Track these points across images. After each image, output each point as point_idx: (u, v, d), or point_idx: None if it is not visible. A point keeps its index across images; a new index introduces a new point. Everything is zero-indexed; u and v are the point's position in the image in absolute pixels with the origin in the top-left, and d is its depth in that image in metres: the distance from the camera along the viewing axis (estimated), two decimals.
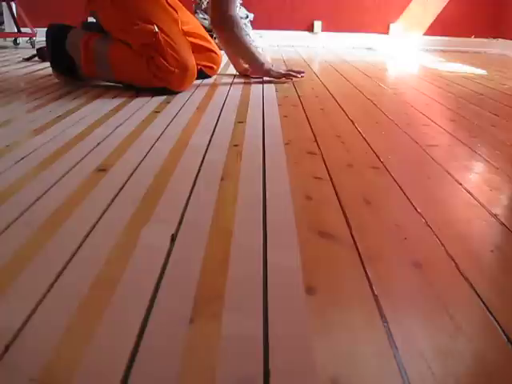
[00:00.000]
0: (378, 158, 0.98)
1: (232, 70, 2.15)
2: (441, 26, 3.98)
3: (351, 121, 1.30)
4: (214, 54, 1.88)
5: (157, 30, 1.53)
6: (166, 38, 1.54)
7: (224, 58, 2.09)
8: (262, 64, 1.88)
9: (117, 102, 1.48)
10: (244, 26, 2.84)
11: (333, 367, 0.41)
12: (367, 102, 1.57)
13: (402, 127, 1.24)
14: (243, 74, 2.06)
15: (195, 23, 1.86)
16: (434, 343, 0.44)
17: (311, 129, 1.21)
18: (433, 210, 0.73)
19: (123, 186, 0.80)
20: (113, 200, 0.74)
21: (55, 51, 1.68)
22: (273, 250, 0.60)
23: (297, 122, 1.28)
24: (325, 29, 4.00)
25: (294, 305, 0.49)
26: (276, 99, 1.59)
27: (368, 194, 0.79)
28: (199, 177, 0.85)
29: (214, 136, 1.12)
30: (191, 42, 1.68)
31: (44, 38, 1.73)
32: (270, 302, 0.49)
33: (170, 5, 1.66)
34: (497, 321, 0.47)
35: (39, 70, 2.14)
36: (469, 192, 0.81)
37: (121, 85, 1.70)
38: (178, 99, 1.55)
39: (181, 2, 1.77)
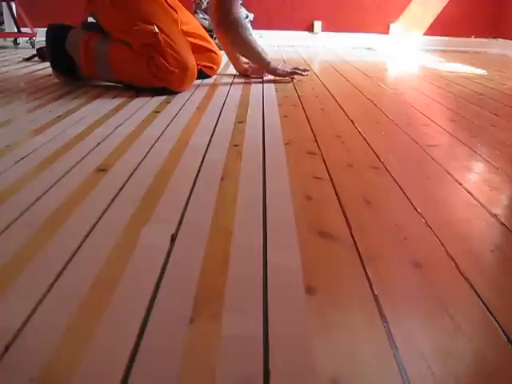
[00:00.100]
0: (378, 158, 0.98)
1: (232, 69, 2.15)
2: (441, 26, 3.98)
3: (351, 121, 1.30)
4: (213, 54, 1.88)
5: (157, 30, 1.53)
6: (165, 38, 1.54)
7: (224, 57, 2.09)
8: (269, 63, 1.90)
9: (117, 101, 1.48)
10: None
11: (333, 367, 0.41)
12: (367, 102, 1.57)
13: (402, 127, 1.24)
14: (243, 73, 2.07)
15: (195, 23, 1.86)
16: (434, 343, 0.44)
17: (311, 129, 1.21)
18: (433, 210, 0.73)
19: (123, 186, 0.80)
20: (113, 200, 0.74)
21: (55, 51, 1.68)
22: (273, 249, 0.60)
23: (297, 122, 1.28)
24: (325, 29, 4.00)
25: (294, 305, 0.49)
26: (276, 99, 1.59)
27: (368, 194, 0.79)
28: (199, 177, 0.85)
29: (213, 136, 1.12)
30: (191, 42, 1.68)
31: (44, 38, 1.73)
32: (270, 302, 0.49)
33: (169, 5, 1.66)
34: (497, 321, 0.47)
35: (39, 70, 2.14)
36: (469, 192, 0.81)
37: (121, 85, 1.70)
38: (178, 99, 1.55)
39: (181, 2, 1.77)
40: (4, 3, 3.34)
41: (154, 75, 1.56)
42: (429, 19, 3.99)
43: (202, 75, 1.86)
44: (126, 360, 0.41)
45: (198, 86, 1.80)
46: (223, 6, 1.75)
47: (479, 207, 0.75)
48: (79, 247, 0.59)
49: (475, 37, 4.01)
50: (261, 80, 1.97)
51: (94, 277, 0.53)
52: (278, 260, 0.57)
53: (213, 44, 1.88)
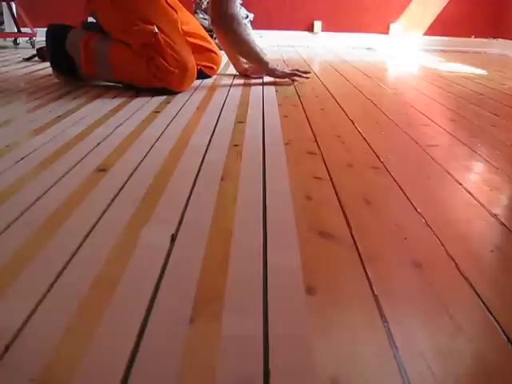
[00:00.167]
0: (378, 158, 0.98)
1: (232, 70, 2.15)
2: (441, 26, 3.98)
3: (351, 121, 1.30)
4: (213, 54, 1.88)
5: (156, 30, 1.53)
6: (165, 38, 1.54)
7: (224, 58, 2.09)
8: (267, 63, 1.84)
9: (117, 101, 1.48)
10: (244, 25, 2.84)
11: (333, 367, 0.41)
12: (367, 102, 1.57)
13: (402, 127, 1.24)
14: (243, 74, 2.06)
15: (195, 23, 1.86)
16: (434, 343, 0.44)
17: (311, 129, 1.21)
18: (433, 210, 0.73)
19: (123, 186, 0.80)
20: (113, 200, 0.74)
21: (55, 51, 1.68)
22: (273, 249, 0.60)
23: (297, 122, 1.28)
24: (325, 29, 4.00)
25: (294, 305, 0.49)
26: (276, 99, 1.59)
27: (368, 194, 0.79)
28: (199, 177, 0.85)
29: (213, 136, 1.12)
30: (191, 43, 1.68)
31: (44, 38, 1.73)
32: (270, 302, 0.49)
33: (169, 5, 1.66)
34: (497, 321, 0.47)
35: (39, 70, 2.14)
36: (469, 192, 0.81)
37: (121, 85, 1.70)
38: (178, 99, 1.55)
39: (181, 2, 1.77)
40: (4, 3, 3.34)
41: (153, 75, 1.56)
42: (429, 19, 3.99)
43: (202, 75, 1.85)
44: (126, 360, 0.41)
45: (198, 86, 1.80)
46: (220, 4, 1.72)
47: (479, 207, 0.75)
48: (79, 247, 0.59)
49: (475, 37, 4.01)
50: (261, 80, 1.96)
51: (94, 277, 0.53)
52: (278, 260, 0.57)
53: (213, 44, 1.87)
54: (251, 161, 0.94)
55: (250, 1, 3.70)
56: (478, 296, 0.51)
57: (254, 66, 1.96)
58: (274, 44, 3.92)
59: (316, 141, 1.10)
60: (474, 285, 0.53)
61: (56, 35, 1.68)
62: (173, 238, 0.62)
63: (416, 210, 0.73)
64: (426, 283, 0.54)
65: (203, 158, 0.95)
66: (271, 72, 1.87)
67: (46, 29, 1.72)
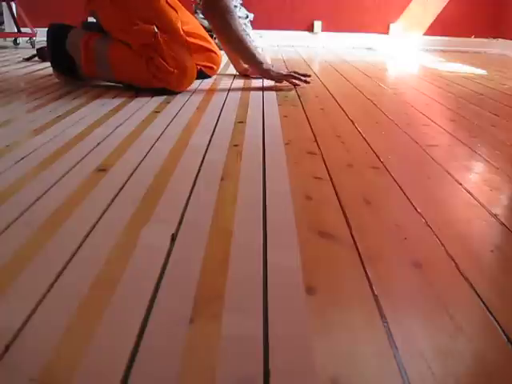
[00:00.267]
0: (378, 157, 0.98)
1: (232, 70, 2.15)
2: (441, 26, 3.98)
3: (351, 121, 1.30)
4: (213, 54, 1.88)
5: (156, 30, 1.53)
6: (165, 38, 1.54)
7: (224, 57, 2.09)
8: (261, 63, 1.70)
9: (117, 101, 1.48)
10: (245, 25, 2.83)
11: (333, 367, 0.41)
12: (367, 102, 1.57)
13: (402, 127, 1.24)
14: (243, 74, 2.06)
15: (195, 23, 1.86)
16: (434, 343, 0.44)
17: (311, 129, 1.21)
18: (433, 210, 0.73)
19: (123, 186, 0.80)
20: (113, 200, 0.74)
21: (55, 51, 1.68)
22: (273, 250, 0.60)
23: (297, 122, 1.28)
24: (325, 29, 4.00)
25: (294, 305, 0.49)
26: (276, 99, 1.59)
27: (368, 194, 0.79)
28: (199, 177, 0.85)
29: (213, 136, 1.12)
30: (191, 42, 1.68)
31: (44, 38, 1.73)
32: (270, 302, 0.49)
33: (169, 5, 1.65)
34: (497, 321, 0.47)
35: (39, 69, 2.14)
36: (469, 192, 0.81)
37: (121, 85, 1.70)
38: (178, 99, 1.55)
39: (181, 2, 1.77)
40: (4, 3, 3.34)
41: (153, 75, 1.56)
42: (429, 19, 3.99)
43: (201, 75, 1.85)
44: (126, 360, 0.41)
45: (198, 86, 1.80)
46: None
47: (479, 207, 0.75)
48: (79, 247, 0.59)
49: (475, 37, 4.01)
50: (261, 81, 1.95)
51: (94, 277, 0.53)
52: (278, 260, 0.57)
53: (213, 44, 1.87)
54: (251, 161, 0.94)
55: (250, 1, 3.70)
56: (478, 296, 0.51)
57: (247, 65, 1.86)
58: (274, 44, 3.92)
59: (316, 141, 1.10)
60: (474, 285, 0.53)
61: (56, 35, 1.68)
62: (173, 238, 0.62)
63: (416, 210, 0.73)
64: (426, 283, 0.54)
65: (203, 158, 0.95)
66: (266, 73, 1.75)
67: (46, 29, 1.72)
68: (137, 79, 1.62)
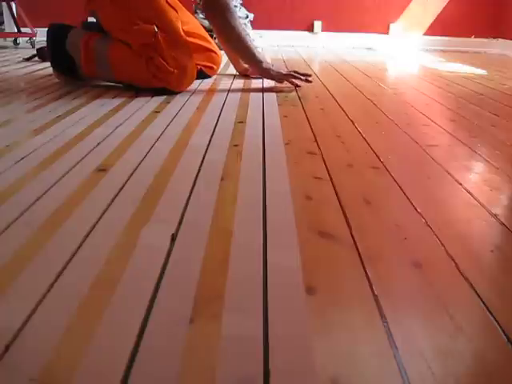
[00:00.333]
0: (378, 157, 0.98)
1: (232, 70, 2.15)
2: (441, 26, 3.98)
3: (351, 121, 1.30)
4: (213, 54, 1.88)
5: (156, 30, 1.53)
6: (165, 38, 1.54)
7: (224, 57, 2.09)
8: (260, 62, 1.69)
9: (117, 101, 1.48)
10: (245, 25, 2.83)
11: (333, 367, 0.41)
12: (367, 102, 1.57)
13: (402, 127, 1.24)
14: (243, 73, 2.06)
15: (195, 23, 1.86)
16: (434, 343, 0.44)
17: (311, 129, 1.21)
18: (433, 210, 0.73)
19: (123, 186, 0.80)
20: (113, 200, 0.74)
21: (55, 51, 1.68)
22: (273, 250, 0.60)
23: (297, 122, 1.28)
24: (325, 29, 4.00)
25: (294, 305, 0.49)
26: (276, 99, 1.59)
27: (368, 194, 0.79)
28: (199, 177, 0.85)
29: (213, 136, 1.12)
30: (191, 42, 1.68)
31: (44, 38, 1.73)
32: (270, 302, 0.49)
33: (170, 4, 1.65)
34: (497, 321, 0.47)
35: (39, 69, 2.14)
36: (469, 192, 0.81)
37: (121, 85, 1.70)
38: (178, 99, 1.55)
39: (181, 2, 1.77)
40: (4, 3, 3.34)
41: (153, 75, 1.56)
42: (429, 19, 3.99)
43: (201, 75, 1.85)
44: (126, 360, 0.41)
45: (198, 86, 1.80)
46: None
47: (479, 207, 0.75)
48: (79, 247, 0.59)
49: (475, 37, 4.01)
50: (261, 81, 1.95)
51: (94, 277, 0.53)
52: (278, 260, 0.57)
53: (213, 44, 1.87)
54: (251, 161, 0.94)
55: (250, 1, 3.70)
56: (478, 296, 0.51)
57: (246, 64, 1.85)
58: (274, 44, 3.92)
59: (316, 141, 1.10)
60: (474, 285, 0.53)
61: (56, 35, 1.68)
62: (173, 238, 0.62)
63: (416, 210, 0.73)
64: (426, 283, 0.54)
65: (203, 158, 0.95)
66: (265, 72, 1.73)
67: (46, 29, 1.72)
68: (137, 79, 1.62)
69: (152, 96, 1.57)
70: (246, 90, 1.74)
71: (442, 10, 3.96)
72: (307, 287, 0.52)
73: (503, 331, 0.46)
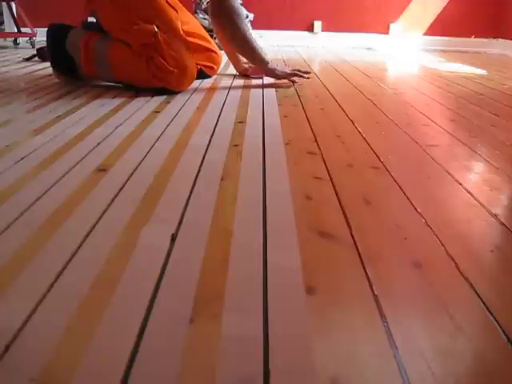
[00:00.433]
0: (378, 157, 0.98)
1: (232, 69, 2.15)
2: (441, 26, 3.98)
3: (351, 121, 1.30)
4: (214, 54, 1.88)
5: (156, 29, 1.53)
6: (165, 37, 1.54)
7: (224, 57, 2.09)
8: (267, 62, 1.78)
9: (117, 101, 1.48)
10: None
11: (333, 367, 0.41)
12: (367, 102, 1.57)
13: (402, 127, 1.24)
14: (243, 73, 2.06)
15: (195, 23, 1.86)
16: (434, 343, 0.44)
17: (311, 129, 1.21)
18: (433, 210, 0.73)
19: (123, 186, 0.80)
20: (113, 200, 0.74)
21: (55, 51, 1.68)
22: (273, 250, 0.60)
23: (297, 122, 1.28)
24: (325, 29, 4.00)
25: (294, 305, 0.49)
26: (276, 99, 1.59)
27: (368, 194, 0.79)
28: (199, 177, 0.85)
29: (213, 136, 1.12)
30: (191, 42, 1.68)
31: (44, 38, 1.73)
32: (270, 302, 0.49)
33: (170, 4, 1.65)
34: (497, 321, 0.47)
35: (39, 69, 2.14)
36: (469, 192, 0.81)
37: (121, 85, 1.69)
38: (178, 99, 1.55)
39: (181, 2, 1.77)
40: (4, 3, 3.34)
41: (153, 75, 1.56)
42: (429, 19, 3.99)
43: (202, 75, 1.85)
44: (126, 360, 0.41)
45: (198, 85, 1.80)
46: None
47: (479, 207, 0.75)
48: (79, 247, 0.59)
49: (475, 37, 4.01)
50: (261, 80, 1.95)
51: (94, 277, 0.53)
52: (278, 260, 0.57)
53: (213, 44, 1.87)
54: (251, 161, 0.94)
55: (250, 1, 3.70)
56: (478, 296, 0.51)
57: (253, 65, 1.92)
58: (274, 44, 3.92)
59: (316, 141, 1.10)
60: (474, 285, 0.53)
61: (56, 35, 1.68)
62: (173, 238, 0.62)
63: (416, 210, 0.73)
64: (426, 283, 0.54)
65: (203, 158, 0.95)
66: (271, 72, 1.82)
67: (46, 29, 1.72)
68: (137, 79, 1.62)
69: (152, 96, 1.57)
70: (246, 90, 1.74)
71: (441, 10, 3.96)
72: (307, 287, 0.52)
73: (503, 331, 0.46)
